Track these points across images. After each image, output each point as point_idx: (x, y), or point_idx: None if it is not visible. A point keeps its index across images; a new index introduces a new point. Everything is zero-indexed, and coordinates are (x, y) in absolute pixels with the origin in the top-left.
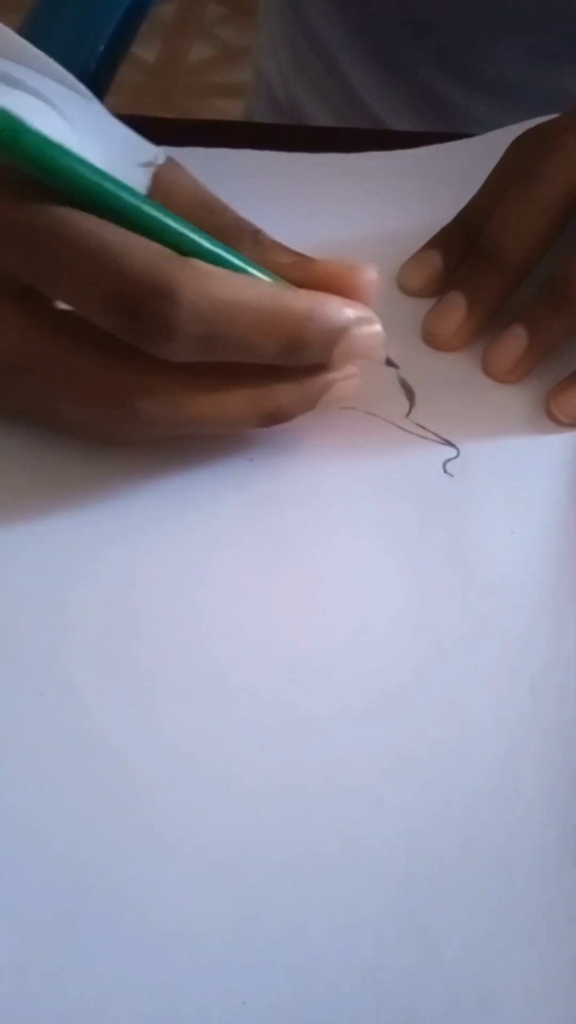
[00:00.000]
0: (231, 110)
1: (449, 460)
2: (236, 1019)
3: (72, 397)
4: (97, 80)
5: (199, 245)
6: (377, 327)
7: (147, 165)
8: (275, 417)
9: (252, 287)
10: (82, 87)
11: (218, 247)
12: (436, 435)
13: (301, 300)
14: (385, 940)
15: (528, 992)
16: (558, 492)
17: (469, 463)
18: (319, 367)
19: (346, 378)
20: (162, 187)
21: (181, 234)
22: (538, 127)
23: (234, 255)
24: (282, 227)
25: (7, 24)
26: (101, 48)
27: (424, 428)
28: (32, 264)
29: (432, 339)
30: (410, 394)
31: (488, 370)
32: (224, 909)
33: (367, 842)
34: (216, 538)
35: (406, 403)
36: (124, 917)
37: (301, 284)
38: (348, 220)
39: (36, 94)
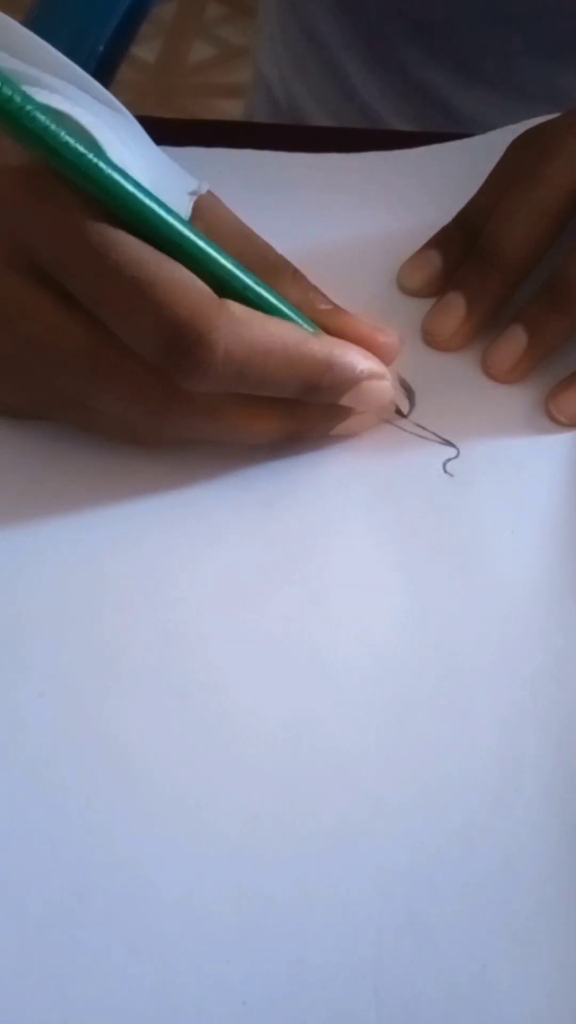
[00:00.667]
0: (231, 110)
1: (449, 460)
2: (236, 1019)
3: (114, 392)
4: (97, 80)
5: (244, 284)
6: (386, 383)
7: (192, 194)
8: (299, 435)
9: (281, 333)
10: (126, 111)
11: (263, 288)
12: (436, 435)
13: (323, 348)
14: (385, 940)
15: (528, 992)
16: (558, 492)
17: (469, 463)
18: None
19: (362, 414)
20: (204, 218)
21: (228, 271)
22: (538, 127)
23: (276, 296)
24: (282, 227)
25: None
26: (101, 48)
27: (424, 428)
28: (73, 280)
29: (432, 339)
30: (410, 394)
31: (488, 370)
32: (224, 909)
33: (367, 842)
34: (216, 538)
35: (406, 403)
36: (124, 917)
37: (332, 332)
38: (348, 220)
39: (91, 109)
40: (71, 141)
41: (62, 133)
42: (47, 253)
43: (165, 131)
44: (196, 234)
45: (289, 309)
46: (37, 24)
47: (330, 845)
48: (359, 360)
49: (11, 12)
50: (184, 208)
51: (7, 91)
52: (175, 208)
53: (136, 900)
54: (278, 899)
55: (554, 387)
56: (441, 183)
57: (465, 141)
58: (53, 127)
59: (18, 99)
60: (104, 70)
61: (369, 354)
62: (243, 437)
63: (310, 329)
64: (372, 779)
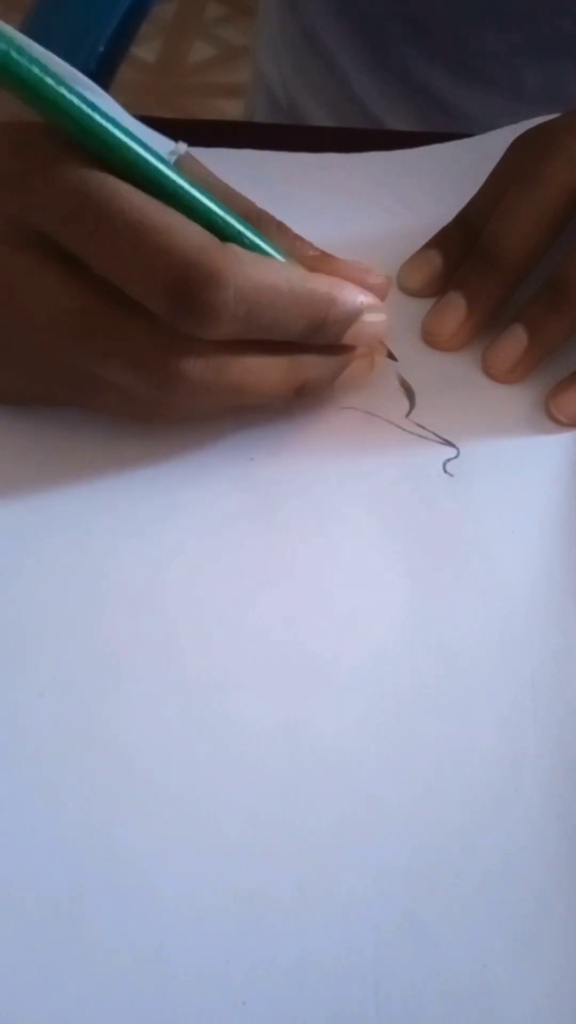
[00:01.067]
0: (231, 110)
1: (449, 460)
2: (236, 1019)
3: (118, 359)
4: (97, 80)
5: (238, 231)
6: (383, 316)
7: (172, 154)
8: (304, 389)
9: (285, 271)
10: (93, 84)
11: (256, 235)
12: (436, 435)
13: (324, 284)
14: (385, 940)
15: (528, 992)
16: (558, 492)
17: (469, 463)
18: (337, 347)
19: (361, 356)
20: (188, 172)
21: (224, 219)
22: (538, 127)
23: (268, 243)
24: None
25: (7, 24)
26: (101, 48)
27: (424, 428)
28: (76, 231)
29: (431, 339)
30: (410, 394)
31: (488, 370)
32: (224, 909)
33: (367, 841)
34: (216, 538)
35: (406, 403)
36: (124, 917)
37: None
38: (348, 220)
39: (75, 79)
40: (66, 92)
41: (59, 84)
42: (48, 211)
43: (165, 131)
44: (192, 184)
45: (283, 255)
46: (37, 23)
47: (330, 845)
48: (358, 293)
49: (11, 12)
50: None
51: (1, 44)
52: None
53: (136, 900)
54: (278, 899)
55: (554, 387)
56: (441, 183)
57: (465, 141)
58: (49, 79)
59: (12, 52)
60: (104, 70)
61: (363, 288)
62: (250, 397)
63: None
64: (372, 779)
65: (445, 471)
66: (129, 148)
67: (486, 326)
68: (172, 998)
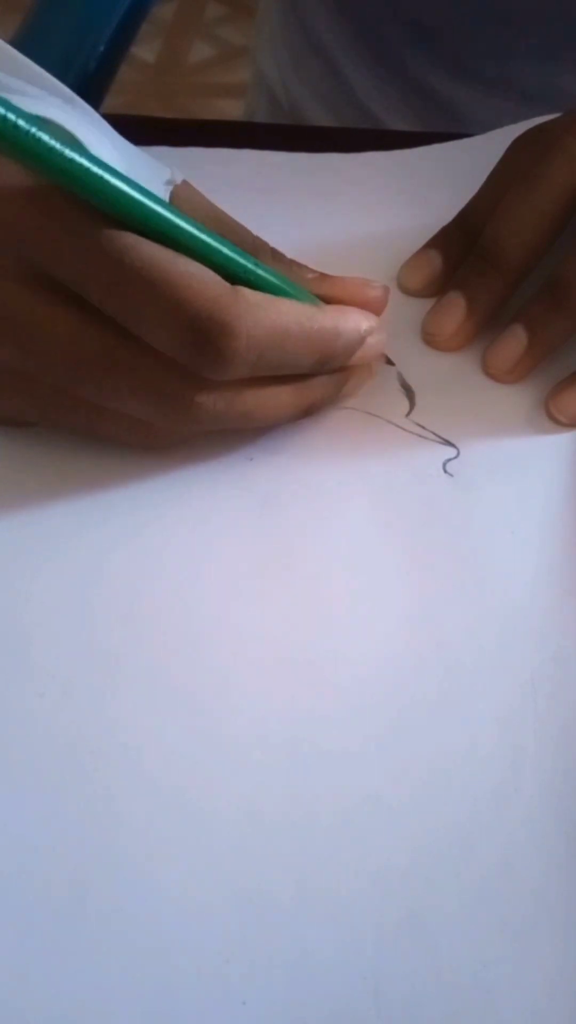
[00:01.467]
0: (231, 110)
1: (449, 460)
2: (236, 1019)
3: (135, 394)
4: (97, 80)
5: (246, 268)
6: (382, 336)
7: (168, 183)
8: (313, 409)
9: (292, 311)
10: (90, 109)
11: (261, 268)
12: (436, 435)
13: (329, 319)
14: (385, 939)
15: (528, 992)
16: (558, 492)
17: (469, 463)
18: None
19: (361, 369)
20: (180, 206)
21: (231, 258)
22: (538, 127)
23: (272, 274)
24: (282, 227)
25: (7, 26)
26: (101, 48)
27: (424, 428)
28: (93, 287)
29: (432, 339)
30: (410, 394)
31: (488, 370)
32: (224, 909)
33: (367, 841)
34: (216, 538)
35: (406, 403)
36: (124, 917)
37: (324, 297)
38: (348, 220)
39: (74, 111)
40: (75, 156)
41: (65, 150)
42: (62, 267)
43: (165, 131)
44: (197, 226)
45: (287, 284)
46: (37, 24)
47: (330, 844)
48: (360, 320)
49: (11, 12)
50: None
51: (11, 116)
52: None
53: (136, 900)
54: (278, 898)
55: (555, 387)
56: (441, 183)
57: (465, 141)
58: (57, 146)
59: (22, 123)
60: (104, 70)
61: (363, 311)
62: (259, 421)
63: (315, 301)
64: (372, 778)
65: (445, 471)
66: (132, 197)
67: (486, 326)
68: (172, 998)
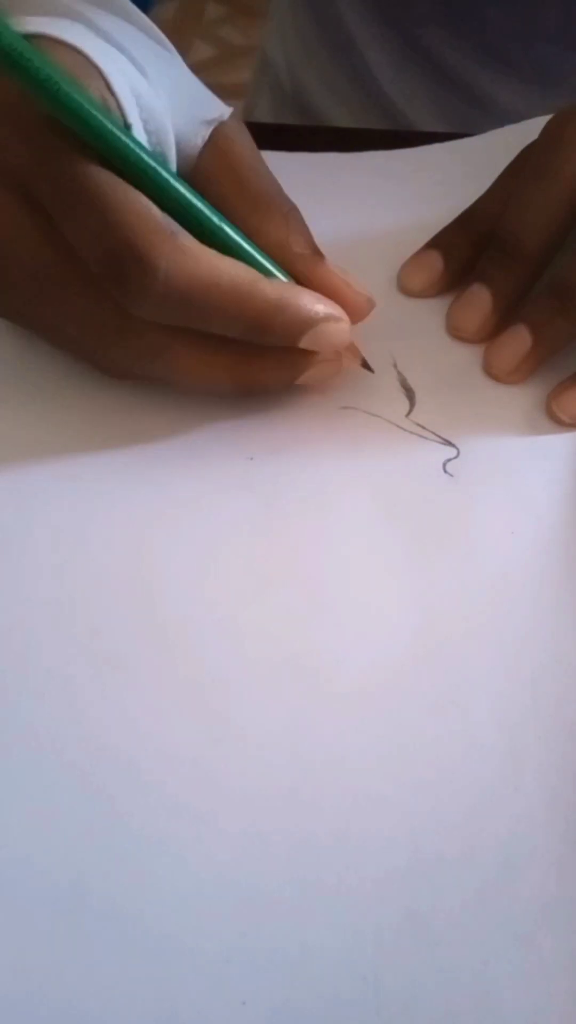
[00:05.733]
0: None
1: (449, 460)
2: (236, 1019)
3: (75, 319)
4: None
5: (204, 216)
6: (343, 325)
7: (211, 122)
8: (252, 388)
9: (230, 270)
10: (164, 39)
11: (224, 223)
12: (436, 435)
13: (274, 290)
14: (385, 938)
15: (528, 992)
16: (558, 492)
17: (469, 463)
18: (294, 350)
19: (324, 361)
20: (218, 145)
21: (189, 201)
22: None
23: (235, 232)
24: None
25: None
26: None
27: (424, 428)
28: (52, 199)
29: (459, 333)
30: (410, 394)
31: (490, 370)
32: (224, 909)
33: (367, 841)
34: (216, 537)
35: (406, 403)
36: (124, 917)
37: (301, 278)
38: (348, 220)
39: (114, 41)
40: (41, 67)
41: (32, 59)
42: (31, 179)
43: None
44: (161, 165)
45: (253, 249)
46: None
47: (330, 843)
48: (312, 303)
49: None
50: (200, 135)
51: None
52: (191, 135)
53: (136, 900)
54: (278, 898)
55: (557, 386)
56: (442, 183)
57: (466, 140)
58: (26, 53)
59: (6, 38)
60: None
61: (322, 297)
62: (196, 380)
63: (277, 273)
64: (372, 778)
65: (445, 471)
66: (99, 123)
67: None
68: (172, 998)
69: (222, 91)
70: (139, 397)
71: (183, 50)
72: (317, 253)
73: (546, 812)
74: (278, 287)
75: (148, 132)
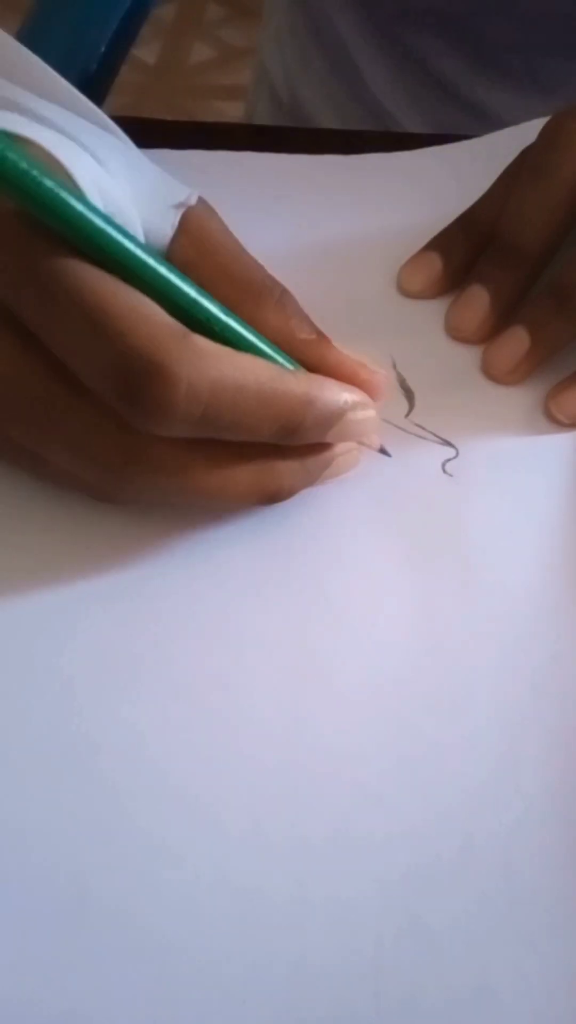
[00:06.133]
0: (231, 111)
1: (449, 460)
2: (236, 1019)
3: (68, 442)
4: (98, 81)
5: (211, 314)
6: (372, 412)
7: (178, 206)
8: (278, 495)
9: (253, 369)
10: (113, 126)
11: (231, 318)
12: (436, 435)
13: (300, 384)
14: (385, 939)
15: (528, 991)
16: (558, 492)
17: (469, 463)
18: (319, 445)
19: (346, 452)
20: (191, 231)
21: (193, 299)
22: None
23: (245, 327)
24: (282, 229)
25: (7, 26)
26: (102, 49)
27: (424, 428)
28: (30, 308)
29: (458, 334)
30: (410, 394)
31: (488, 371)
32: (224, 909)
33: (367, 841)
34: (216, 539)
35: (406, 403)
36: (124, 917)
37: (310, 364)
38: (348, 222)
39: (64, 132)
40: (20, 165)
41: (9, 157)
42: (2, 285)
43: (165, 133)
44: (158, 260)
45: (263, 342)
46: (37, 25)
47: (330, 844)
48: (340, 391)
49: (11, 12)
50: (170, 222)
51: None
52: (159, 223)
53: (136, 900)
54: (278, 898)
55: (555, 387)
56: (441, 185)
57: (465, 143)
58: (10, 156)
59: None
60: (104, 71)
61: (347, 384)
62: (215, 498)
63: (288, 366)
64: (372, 779)
65: (445, 471)
66: (84, 218)
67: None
68: (172, 997)
69: (222, 92)
70: None
71: (183, 52)
72: (322, 336)
73: (546, 812)
74: (304, 380)
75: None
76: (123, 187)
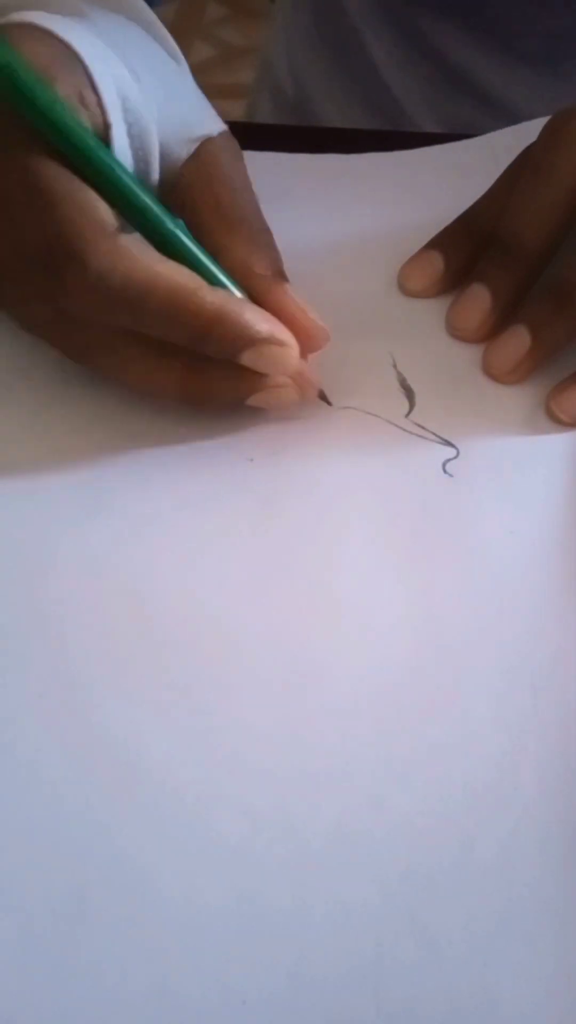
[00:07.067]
0: (232, 111)
1: (449, 460)
2: (236, 1019)
3: (32, 303)
4: None
5: (159, 219)
6: (289, 351)
7: (194, 140)
8: (199, 398)
9: (170, 275)
10: (177, 51)
11: (179, 229)
12: (436, 435)
13: (215, 299)
14: (385, 940)
15: (528, 992)
16: (558, 492)
17: (469, 463)
18: (244, 368)
19: (278, 386)
20: (201, 157)
21: (145, 204)
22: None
23: (189, 239)
24: (283, 228)
25: None
26: None
27: (424, 428)
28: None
29: (459, 333)
30: (410, 394)
31: (489, 370)
32: (224, 909)
33: (367, 841)
34: (216, 538)
35: (406, 403)
36: (124, 916)
37: (258, 298)
38: (349, 221)
39: (109, 40)
40: (16, 68)
41: (9, 60)
42: None
43: None
44: (119, 166)
45: (208, 259)
46: None
47: (330, 846)
48: (256, 321)
49: None
50: (187, 148)
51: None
52: (174, 146)
53: (136, 901)
54: (278, 899)
55: (556, 386)
56: (442, 184)
57: (465, 142)
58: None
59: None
60: None
61: (271, 318)
62: (143, 383)
63: (235, 291)
64: (372, 780)
65: (445, 471)
66: (62, 120)
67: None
68: (172, 998)
69: (222, 92)
70: (139, 400)
71: (183, 50)
72: (279, 276)
73: (545, 812)
74: (220, 297)
75: (131, 136)
76: (150, 105)
